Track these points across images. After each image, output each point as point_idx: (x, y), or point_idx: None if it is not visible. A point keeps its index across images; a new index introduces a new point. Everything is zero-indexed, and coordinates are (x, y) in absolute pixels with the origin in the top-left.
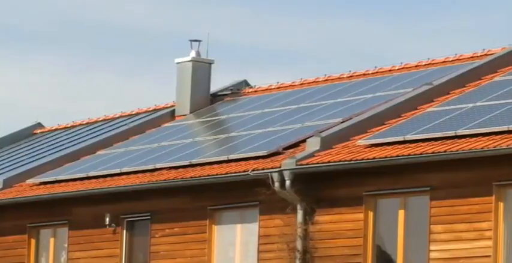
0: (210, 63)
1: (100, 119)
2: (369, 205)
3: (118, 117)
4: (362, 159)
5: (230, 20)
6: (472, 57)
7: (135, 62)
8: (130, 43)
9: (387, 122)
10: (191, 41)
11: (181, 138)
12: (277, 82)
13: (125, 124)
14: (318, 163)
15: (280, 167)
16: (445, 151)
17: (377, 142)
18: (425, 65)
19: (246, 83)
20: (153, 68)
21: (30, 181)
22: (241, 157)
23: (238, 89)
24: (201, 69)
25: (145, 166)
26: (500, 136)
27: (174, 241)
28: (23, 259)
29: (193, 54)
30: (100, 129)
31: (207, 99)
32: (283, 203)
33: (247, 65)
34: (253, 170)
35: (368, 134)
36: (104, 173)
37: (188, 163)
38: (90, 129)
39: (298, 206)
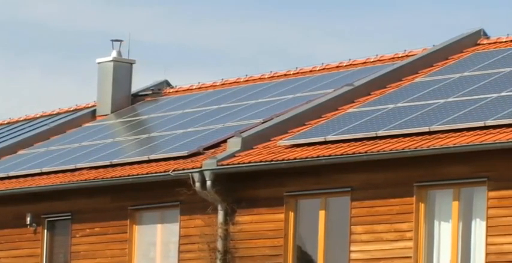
0: (131, 63)
1: (21, 119)
2: (289, 206)
3: (39, 117)
4: (283, 159)
5: (152, 20)
6: (393, 58)
7: (56, 62)
8: (52, 43)
9: (308, 123)
10: (112, 41)
11: (102, 138)
12: (198, 82)
13: (46, 124)
14: (238, 163)
15: (201, 167)
16: (365, 152)
17: (298, 143)
18: (346, 65)
19: (167, 83)
20: (74, 68)
21: None
22: (162, 157)
23: (159, 89)
24: (122, 69)
25: (66, 166)
26: (420, 137)
27: (95, 241)
28: None
29: (114, 54)
30: (21, 129)
31: (128, 100)
32: (204, 204)
33: (169, 65)
34: (174, 171)
35: (289, 134)
36: (25, 173)
37: (109, 163)
38: (11, 129)
39: (219, 207)
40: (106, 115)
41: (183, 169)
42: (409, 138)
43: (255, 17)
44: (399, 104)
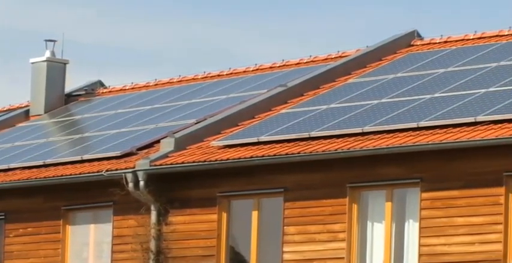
0: (65, 64)
1: None
2: (222, 206)
3: None
4: (216, 160)
5: (86, 20)
6: (326, 59)
7: None
8: None
9: (241, 124)
10: (46, 41)
11: (35, 138)
12: (132, 83)
13: None
14: (171, 164)
15: (134, 167)
16: (298, 153)
17: (231, 143)
18: (279, 66)
19: (100, 84)
20: (7, 68)
21: None
22: (95, 157)
23: (92, 90)
24: (56, 69)
25: None
26: (354, 138)
27: (28, 241)
28: None
29: (48, 54)
30: None
31: (61, 100)
32: (137, 204)
33: (102, 65)
34: (107, 171)
35: (222, 135)
36: None
37: (42, 163)
38: None
39: (152, 207)
40: (39, 115)
41: (116, 169)
42: (342, 139)
43: (189, 17)
44: (332, 105)
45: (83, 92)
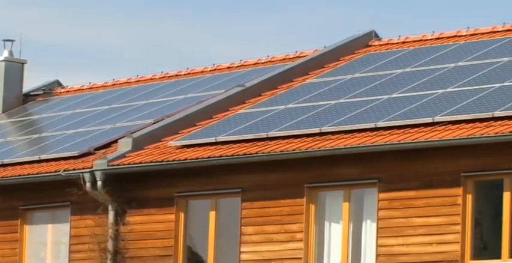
0: (23, 63)
1: None
2: (180, 206)
3: None
4: (173, 160)
5: (43, 20)
6: (284, 59)
7: None
8: None
9: (199, 124)
10: (4, 40)
11: None
12: (89, 83)
13: None
14: (129, 164)
15: (91, 167)
16: (256, 153)
17: (188, 143)
18: (237, 66)
19: (58, 83)
20: None
21: None
22: (52, 157)
23: (50, 89)
24: (14, 69)
25: None
26: (311, 138)
27: None
28: None
29: (6, 54)
30: None
31: (19, 99)
32: (94, 204)
33: (60, 65)
34: (64, 171)
35: (180, 135)
36: None
37: (0, 163)
38: None
39: (110, 207)
40: None
41: (74, 169)
42: (299, 139)
43: (148, 17)
44: (290, 105)
45: (41, 92)
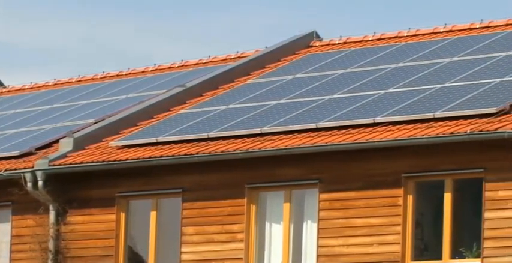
0: None
1: None
2: (121, 206)
3: None
4: (114, 160)
5: None
6: (225, 59)
7: None
8: None
9: (140, 124)
10: None
11: None
12: (31, 83)
13: None
14: (70, 164)
15: (32, 167)
16: (197, 153)
17: (129, 143)
18: (178, 66)
19: None
20: None
21: None
22: None
23: None
24: None
25: None
26: (252, 139)
27: None
28: None
29: None
30: None
31: None
32: (35, 204)
33: (1, 65)
34: (5, 170)
35: (121, 135)
36: None
37: None
38: None
39: (51, 207)
40: None
41: (15, 169)
42: (241, 139)
43: (89, 17)
44: (231, 106)
45: None
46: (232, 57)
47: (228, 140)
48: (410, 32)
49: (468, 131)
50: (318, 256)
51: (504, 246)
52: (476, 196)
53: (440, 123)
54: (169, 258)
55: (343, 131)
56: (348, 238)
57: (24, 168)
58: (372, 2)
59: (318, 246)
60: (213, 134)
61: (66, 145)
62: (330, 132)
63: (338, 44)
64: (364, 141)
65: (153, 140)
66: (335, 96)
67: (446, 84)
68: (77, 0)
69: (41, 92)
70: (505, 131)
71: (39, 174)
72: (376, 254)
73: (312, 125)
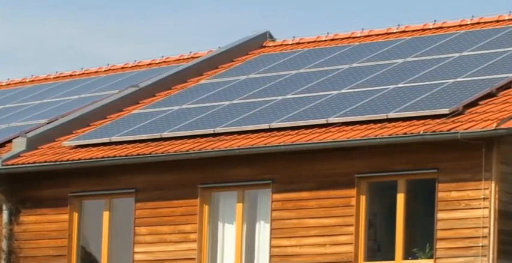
0: None
1: None
2: (74, 206)
3: None
4: (67, 160)
5: None
6: (178, 59)
7: None
8: None
9: (93, 124)
10: None
11: None
12: None
13: None
14: (23, 164)
15: None
16: (150, 153)
17: (82, 143)
18: (131, 67)
19: None
20: None
21: None
22: None
23: None
24: None
25: None
26: (205, 139)
27: None
28: None
29: None
30: None
31: None
32: None
33: None
34: None
35: (74, 135)
36: None
37: None
38: None
39: (4, 207)
40: None
41: None
42: (193, 140)
43: (42, 16)
44: (184, 106)
45: None
46: (185, 57)
47: (181, 141)
48: (363, 33)
49: (421, 131)
50: (271, 256)
51: (457, 247)
52: (429, 197)
53: (394, 123)
54: (122, 258)
55: (296, 131)
56: (301, 238)
57: None
58: (325, 2)
59: (271, 246)
60: (166, 134)
61: (19, 145)
62: (283, 132)
63: (291, 44)
64: (317, 141)
65: (106, 140)
66: (288, 96)
67: (400, 85)
68: (30, 1)
69: None
70: (458, 132)
71: None
72: (329, 254)
73: (265, 126)
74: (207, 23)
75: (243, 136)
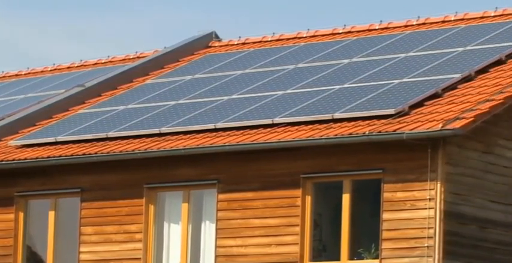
0: None
1: None
2: (19, 206)
3: None
4: (13, 159)
5: None
6: (124, 59)
7: None
8: None
9: (39, 123)
10: None
11: None
12: None
13: None
14: None
15: None
16: (96, 153)
17: (28, 143)
18: (77, 66)
19: None
20: None
21: None
22: None
23: None
24: None
25: None
26: (151, 139)
27: None
28: None
29: None
30: None
31: None
32: None
33: None
34: None
35: (19, 134)
36: None
37: None
38: None
39: None
40: None
41: None
42: (139, 139)
43: None
44: (130, 106)
45: None
46: (131, 57)
47: (126, 140)
48: (309, 33)
49: (367, 132)
50: (216, 256)
51: (402, 247)
52: (375, 197)
53: (339, 124)
54: (68, 258)
55: (242, 131)
56: (246, 238)
57: None
58: (270, 2)
59: (216, 246)
60: (111, 134)
61: None
62: (228, 132)
63: (237, 44)
64: (263, 142)
65: (51, 139)
66: (234, 96)
67: (346, 85)
68: None
69: None
70: (403, 132)
71: None
72: (275, 254)
73: (211, 126)
74: (153, 23)
75: (188, 136)
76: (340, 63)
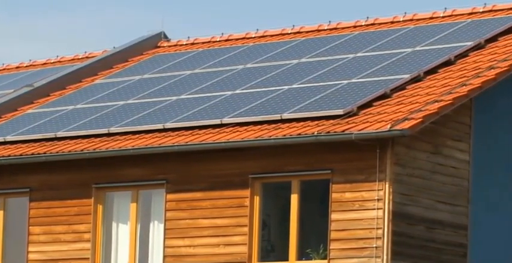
0: None
1: None
2: None
3: None
4: None
5: None
6: (73, 59)
7: None
8: None
9: None
10: None
11: None
12: None
13: None
14: None
15: None
16: (44, 153)
17: None
18: (26, 66)
19: None
20: None
21: None
22: None
23: None
24: None
25: None
26: (99, 139)
27: None
28: None
29: None
30: None
31: None
32: None
33: None
34: None
35: None
36: None
37: None
38: None
39: None
40: None
41: None
42: (88, 139)
43: None
44: (79, 106)
45: None
46: (80, 57)
47: (75, 140)
48: (258, 33)
49: (315, 132)
50: (165, 256)
51: (350, 248)
52: (323, 198)
53: (288, 124)
54: (16, 258)
55: (191, 131)
56: (195, 238)
57: None
58: (219, 2)
59: (165, 246)
60: (60, 134)
61: None
62: (177, 133)
63: (186, 44)
64: (211, 142)
65: (0, 139)
66: (182, 96)
67: (294, 86)
68: None
69: None
70: (352, 133)
71: None
72: (223, 255)
73: (159, 126)
74: (102, 22)
75: (137, 136)
76: (289, 63)
